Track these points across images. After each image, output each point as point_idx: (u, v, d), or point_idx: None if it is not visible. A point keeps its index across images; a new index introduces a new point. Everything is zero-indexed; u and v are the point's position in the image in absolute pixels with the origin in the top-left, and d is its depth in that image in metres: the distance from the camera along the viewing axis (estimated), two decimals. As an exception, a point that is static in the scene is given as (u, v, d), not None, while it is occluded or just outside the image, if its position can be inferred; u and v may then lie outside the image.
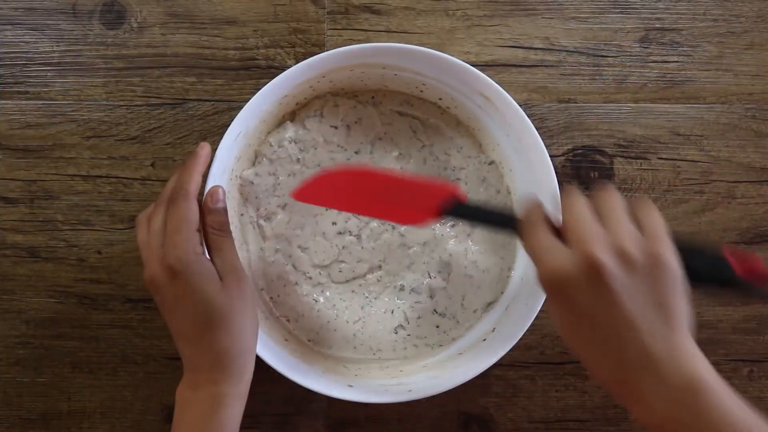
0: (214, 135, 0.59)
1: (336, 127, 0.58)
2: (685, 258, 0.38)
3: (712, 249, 0.39)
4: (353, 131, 0.58)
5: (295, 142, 0.57)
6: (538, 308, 0.52)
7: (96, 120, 0.59)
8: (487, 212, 0.45)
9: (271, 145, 0.56)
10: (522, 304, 0.54)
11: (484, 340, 0.56)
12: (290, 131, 0.57)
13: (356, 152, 0.58)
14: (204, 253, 0.46)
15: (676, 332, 0.37)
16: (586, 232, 0.38)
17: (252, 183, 0.57)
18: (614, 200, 0.40)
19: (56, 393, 0.58)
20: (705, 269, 0.38)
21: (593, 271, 0.37)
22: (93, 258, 0.59)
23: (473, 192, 0.58)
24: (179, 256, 0.43)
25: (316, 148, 0.57)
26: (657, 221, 0.39)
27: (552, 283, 0.38)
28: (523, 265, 0.57)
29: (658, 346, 0.37)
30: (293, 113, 0.58)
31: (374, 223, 0.58)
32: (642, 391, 0.37)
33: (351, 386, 0.53)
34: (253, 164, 0.57)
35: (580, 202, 0.40)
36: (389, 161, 0.58)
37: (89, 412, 0.58)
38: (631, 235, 0.38)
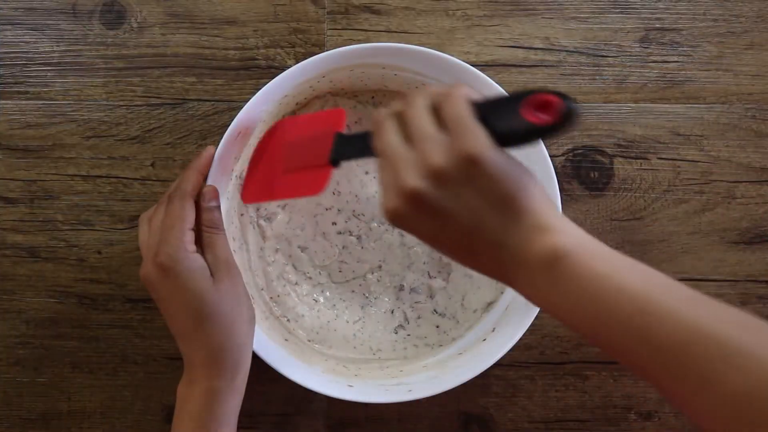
0: (214, 135, 0.59)
1: None
2: (491, 127, 0.35)
3: (510, 107, 0.35)
4: (353, 131, 0.58)
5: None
6: (539, 308, 0.52)
7: (96, 120, 0.59)
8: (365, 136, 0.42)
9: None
10: (522, 304, 0.54)
11: (484, 340, 0.56)
12: None
13: None
14: (197, 250, 0.46)
15: (522, 217, 0.36)
16: (393, 162, 0.37)
17: None
18: (414, 110, 0.37)
19: (56, 393, 0.59)
20: (508, 132, 0.35)
21: (414, 202, 0.36)
22: (93, 258, 0.59)
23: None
24: (170, 253, 0.45)
25: None
26: (456, 110, 0.36)
27: (391, 221, 0.38)
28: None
29: (511, 239, 0.36)
30: (293, 113, 0.58)
31: (374, 223, 0.58)
32: (518, 283, 0.37)
33: (351, 386, 0.53)
34: None
35: (386, 127, 0.38)
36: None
37: (89, 412, 0.59)
38: (436, 147, 0.36)
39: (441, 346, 0.58)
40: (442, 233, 0.38)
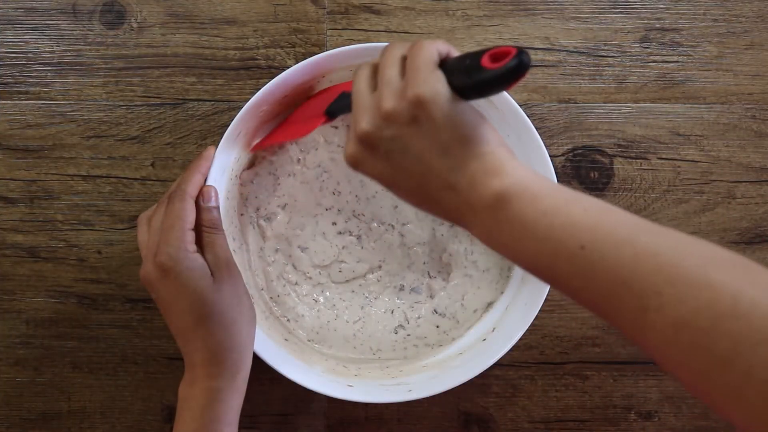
0: (214, 135, 0.59)
1: (336, 128, 0.58)
2: (452, 78, 0.36)
3: (474, 59, 0.36)
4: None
5: (296, 143, 0.57)
6: (538, 308, 0.53)
7: (96, 120, 0.59)
8: None
9: (271, 144, 0.57)
10: (522, 304, 0.55)
11: (484, 340, 0.56)
12: None
13: None
14: (197, 251, 0.47)
15: (469, 161, 0.36)
16: (356, 109, 0.39)
17: (252, 183, 0.57)
18: (385, 60, 0.39)
19: (56, 393, 0.59)
20: (467, 82, 0.36)
21: (365, 144, 0.38)
22: (93, 258, 0.59)
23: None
24: (170, 253, 0.45)
25: (316, 149, 0.58)
26: (418, 58, 0.37)
27: (350, 166, 0.40)
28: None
29: (459, 183, 0.37)
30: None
31: (374, 223, 0.59)
32: (470, 226, 0.38)
33: (351, 386, 0.54)
34: (254, 164, 0.57)
35: (359, 76, 0.40)
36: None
37: (89, 412, 0.59)
38: (392, 92, 0.37)
39: (441, 346, 0.58)
40: (396, 176, 0.39)
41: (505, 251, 0.37)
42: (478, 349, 0.55)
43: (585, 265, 0.33)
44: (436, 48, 0.37)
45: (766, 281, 0.30)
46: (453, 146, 0.36)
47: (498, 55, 0.35)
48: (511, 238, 0.36)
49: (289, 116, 0.55)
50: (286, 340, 0.56)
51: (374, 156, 0.38)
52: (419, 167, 0.37)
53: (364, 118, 0.38)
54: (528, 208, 0.35)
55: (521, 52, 0.35)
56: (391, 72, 0.38)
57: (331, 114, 0.47)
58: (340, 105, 0.47)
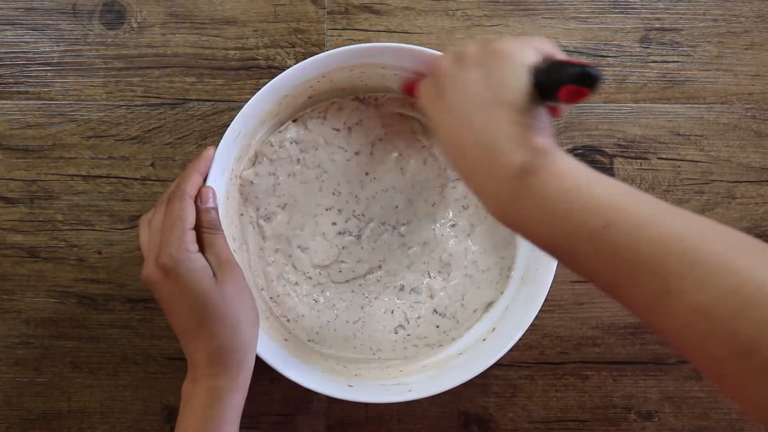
0: (214, 135, 0.60)
1: (338, 130, 0.58)
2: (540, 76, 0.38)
3: (556, 77, 0.37)
4: (354, 132, 0.58)
5: (296, 143, 0.58)
6: (538, 308, 0.53)
7: (96, 120, 0.59)
8: None
9: (272, 145, 0.57)
10: (522, 304, 0.55)
11: (484, 340, 0.56)
12: (292, 132, 0.57)
13: (356, 153, 0.59)
14: (198, 251, 0.47)
15: (507, 122, 0.37)
16: (437, 63, 0.43)
17: (252, 183, 0.57)
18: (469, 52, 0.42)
19: (56, 393, 0.59)
20: (544, 92, 0.38)
21: (437, 77, 0.42)
22: (93, 258, 0.60)
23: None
24: (171, 254, 0.45)
25: (316, 149, 0.58)
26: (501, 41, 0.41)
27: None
28: (523, 265, 0.58)
29: (492, 141, 0.38)
30: (295, 114, 0.58)
31: (373, 224, 0.59)
32: (487, 194, 0.39)
33: (351, 386, 0.54)
34: (254, 164, 0.58)
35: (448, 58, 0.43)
36: (389, 162, 0.59)
37: (89, 412, 0.59)
38: (473, 46, 0.41)
39: (441, 346, 0.59)
40: (452, 109, 0.40)
41: (521, 228, 0.37)
42: (478, 349, 0.56)
43: (607, 245, 0.33)
44: (538, 47, 0.40)
45: None
46: (494, 93, 0.38)
47: (573, 91, 0.36)
48: (530, 213, 0.36)
49: None
50: (286, 340, 0.57)
51: (439, 96, 0.41)
52: (464, 113, 0.39)
53: (443, 58, 0.43)
54: (551, 184, 0.35)
55: (594, 88, 0.36)
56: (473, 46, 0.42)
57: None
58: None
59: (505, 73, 0.38)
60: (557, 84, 0.37)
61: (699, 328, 0.30)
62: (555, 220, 0.35)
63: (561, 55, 0.41)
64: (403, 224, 0.59)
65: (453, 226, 0.59)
